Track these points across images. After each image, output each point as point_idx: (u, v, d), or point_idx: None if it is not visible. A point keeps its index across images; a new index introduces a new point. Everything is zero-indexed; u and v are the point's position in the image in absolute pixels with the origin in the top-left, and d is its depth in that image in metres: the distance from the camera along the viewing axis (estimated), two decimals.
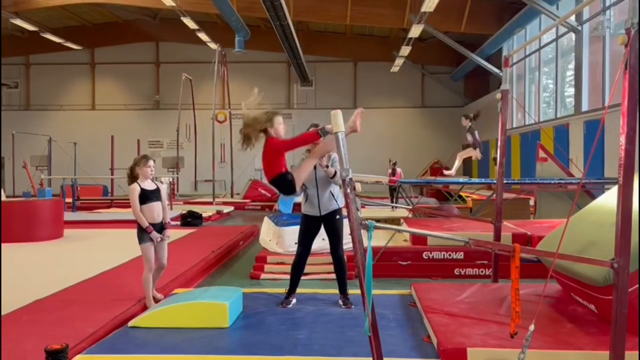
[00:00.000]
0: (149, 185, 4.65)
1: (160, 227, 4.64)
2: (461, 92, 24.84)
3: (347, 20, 18.82)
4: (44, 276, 5.72)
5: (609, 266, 2.76)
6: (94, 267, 5.89)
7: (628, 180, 2.70)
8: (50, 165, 17.61)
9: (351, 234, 2.75)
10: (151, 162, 4.67)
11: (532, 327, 2.49)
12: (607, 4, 12.05)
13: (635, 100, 2.69)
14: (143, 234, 4.55)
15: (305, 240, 4.68)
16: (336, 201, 4.60)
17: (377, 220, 3.31)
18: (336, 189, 4.64)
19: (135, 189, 4.56)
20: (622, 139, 2.70)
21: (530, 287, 4.34)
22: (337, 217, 4.63)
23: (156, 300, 4.61)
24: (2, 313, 4.07)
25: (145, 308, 4.44)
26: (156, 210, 4.63)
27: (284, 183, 3.73)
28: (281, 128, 3.83)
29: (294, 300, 4.63)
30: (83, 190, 17.01)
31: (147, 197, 4.58)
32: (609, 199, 4.29)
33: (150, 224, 4.55)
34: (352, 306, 4.48)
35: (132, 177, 4.63)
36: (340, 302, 4.58)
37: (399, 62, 21.11)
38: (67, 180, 14.73)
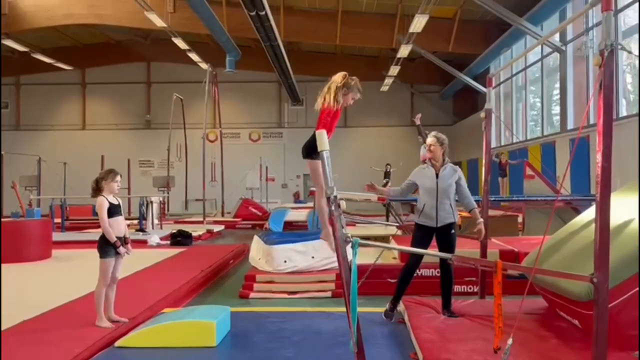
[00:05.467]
0: (113, 200, 4.54)
1: (123, 242, 4.52)
2: (450, 110, 25.11)
3: (336, 41, 19.08)
4: (32, 297, 5.68)
5: (589, 281, 2.81)
6: (82, 288, 5.82)
7: (605, 196, 2.77)
8: (39, 186, 17.51)
9: (336, 251, 2.78)
10: (118, 178, 4.58)
11: (510, 341, 2.53)
12: (590, 24, 12.34)
13: (610, 118, 2.77)
14: (108, 248, 4.41)
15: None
16: (453, 215, 4.56)
17: (368, 238, 3.35)
18: (454, 204, 4.60)
19: (104, 202, 4.44)
20: (599, 157, 2.78)
21: (518, 303, 4.37)
22: (452, 231, 4.56)
23: (114, 322, 4.42)
24: None
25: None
26: (122, 224, 4.56)
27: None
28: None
29: (395, 313, 4.65)
30: (72, 210, 16.91)
31: (113, 211, 4.48)
32: (594, 214, 4.35)
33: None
34: (458, 317, 4.37)
35: (97, 190, 4.50)
36: (446, 316, 4.44)
37: (388, 81, 21.38)
38: (56, 200, 14.65)
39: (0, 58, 17.73)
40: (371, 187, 4.70)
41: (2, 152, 16.75)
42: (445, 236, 4.54)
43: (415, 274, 4.72)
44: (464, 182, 4.66)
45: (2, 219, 9.84)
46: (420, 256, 4.64)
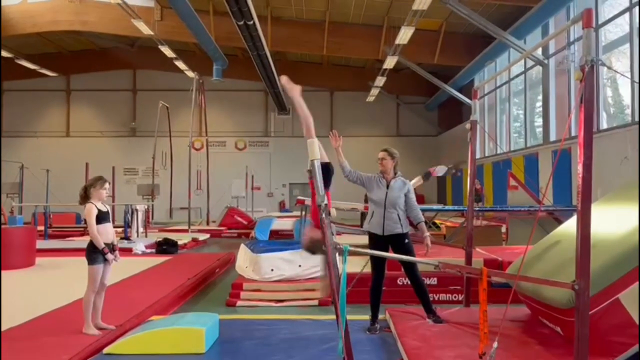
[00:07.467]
0: (102, 207, 4.57)
1: (111, 249, 4.54)
2: (435, 121, 25.39)
3: (323, 51, 19.24)
4: (17, 304, 5.62)
5: (570, 288, 2.90)
6: (67, 295, 5.81)
7: (586, 205, 2.87)
8: (21, 193, 17.30)
9: (326, 258, 2.84)
10: (107, 185, 4.61)
11: (495, 344, 2.60)
12: (572, 39, 12.63)
13: (590, 131, 2.88)
14: (96, 255, 4.42)
15: (376, 263, 4.68)
16: (401, 225, 4.65)
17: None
18: (402, 215, 4.69)
19: (93, 209, 4.46)
20: (580, 168, 2.88)
21: (502, 311, 4.45)
22: (406, 240, 4.65)
23: (102, 329, 4.40)
24: None
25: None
26: (110, 231, 4.59)
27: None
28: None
29: (379, 326, 4.65)
30: (56, 217, 16.72)
31: (102, 217, 4.51)
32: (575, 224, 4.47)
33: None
34: (444, 321, 4.47)
35: (85, 197, 4.53)
36: (431, 321, 4.52)
37: (374, 92, 21.59)
38: (39, 208, 14.49)
39: (0, 64, 17.48)
40: (337, 144, 4.60)
41: None
42: (399, 245, 4.67)
43: (383, 287, 4.79)
44: (412, 196, 4.84)
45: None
46: (383, 268, 4.73)
